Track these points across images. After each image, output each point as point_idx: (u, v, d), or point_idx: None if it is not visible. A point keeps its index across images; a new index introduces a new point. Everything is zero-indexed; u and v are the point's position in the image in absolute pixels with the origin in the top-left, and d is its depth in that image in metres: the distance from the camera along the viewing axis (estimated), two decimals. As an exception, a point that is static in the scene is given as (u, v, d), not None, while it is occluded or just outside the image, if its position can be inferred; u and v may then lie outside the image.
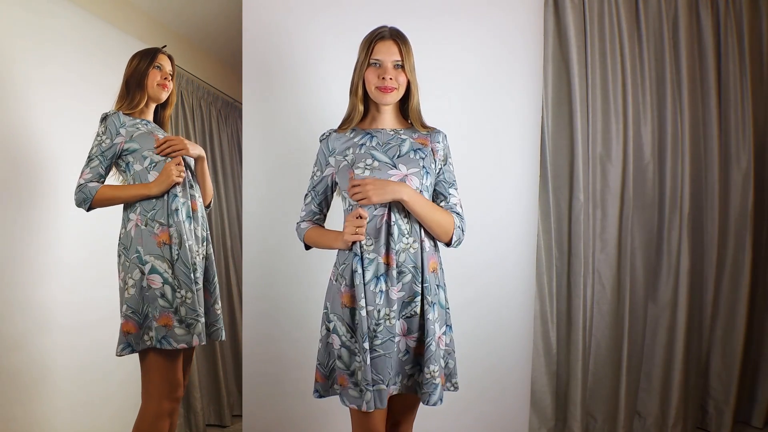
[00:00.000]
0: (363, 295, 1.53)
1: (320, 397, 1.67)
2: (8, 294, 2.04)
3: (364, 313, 1.53)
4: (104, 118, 1.88)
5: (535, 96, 2.50)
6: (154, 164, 1.86)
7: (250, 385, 2.41)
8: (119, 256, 1.84)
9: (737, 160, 2.78)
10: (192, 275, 1.81)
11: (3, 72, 2.06)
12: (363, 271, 1.55)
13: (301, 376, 2.25)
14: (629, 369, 2.70)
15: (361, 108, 1.67)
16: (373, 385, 1.52)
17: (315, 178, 1.73)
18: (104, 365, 2.42)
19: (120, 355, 1.80)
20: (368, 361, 1.52)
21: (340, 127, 1.71)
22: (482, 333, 2.43)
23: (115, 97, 1.97)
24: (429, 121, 1.75)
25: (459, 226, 1.64)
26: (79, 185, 1.83)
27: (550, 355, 2.68)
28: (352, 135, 1.69)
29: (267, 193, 2.38)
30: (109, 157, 1.86)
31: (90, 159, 1.85)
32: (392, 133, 1.68)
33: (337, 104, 2.29)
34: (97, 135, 1.87)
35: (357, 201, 1.55)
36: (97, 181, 1.84)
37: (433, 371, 1.55)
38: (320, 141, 1.74)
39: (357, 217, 1.55)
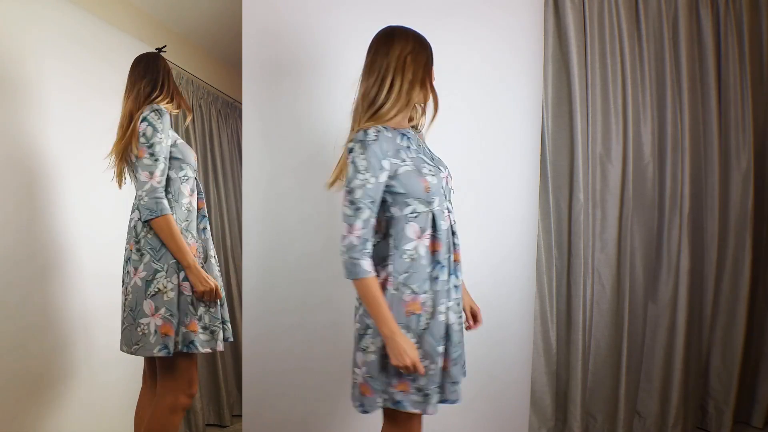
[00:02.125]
0: (444, 300, 1.53)
1: (365, 412, 1.56)
2: (6, 293, 2.04)
3: (442, 318, 1.52)
4: (160, 113, 1.68)
5: (535, 96, 2.50)
6: (187, 178, 1.82)
7: (250, 385, 2.40)
8: None
9: (737, 160, 2.78)
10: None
11: (1, 72, 2.06)
12: (445, 277, 1.55)
13: (301, 376, 2.25)
14: (629, 369, 2.70)
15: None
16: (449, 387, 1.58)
17: (369, 186, 1.44)
18: (103, 365, 2.42)
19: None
20: (439, 364, 1.53)
21: (384, 120, 1.52)
22: (482, 333, 2.43)
23: (117, 96, 1.97)
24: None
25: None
26: (154, 189, 1.64)
27: (550, 355, 2.68)
28: (390, 135, 1.52)
29: (267, 193, 2.38)
30: (168, 159, 1.71)
31: (156, 159, 1.66)
32: (413, 131, 1.66)
33: (337, 104, 2.29)
34: (157, 130, 1.64)
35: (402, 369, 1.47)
36: (165, 189, 1.73)
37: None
38: (370, 142, 1.45)
39: (413, 367, 1.46)
